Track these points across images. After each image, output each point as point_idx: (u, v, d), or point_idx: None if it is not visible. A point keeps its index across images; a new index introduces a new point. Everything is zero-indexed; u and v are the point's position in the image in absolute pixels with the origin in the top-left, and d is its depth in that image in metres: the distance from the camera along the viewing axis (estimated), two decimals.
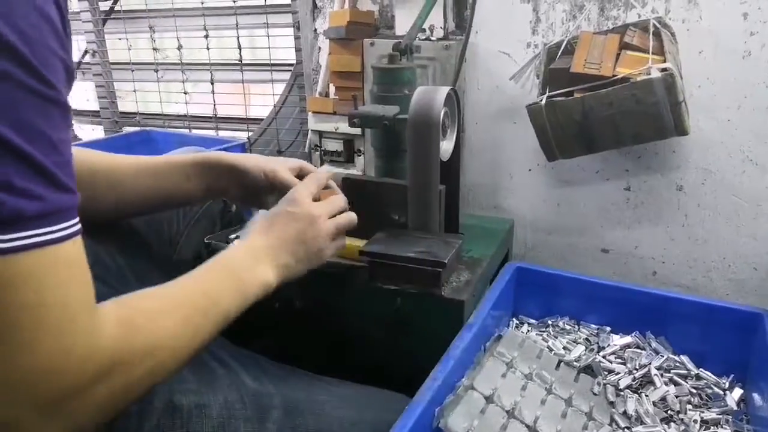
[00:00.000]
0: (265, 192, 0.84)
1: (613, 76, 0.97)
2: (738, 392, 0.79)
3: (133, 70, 1.78)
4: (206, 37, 1.60)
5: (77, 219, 0.42)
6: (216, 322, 0.56)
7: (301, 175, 0.84)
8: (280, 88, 1.62)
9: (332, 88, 1.37)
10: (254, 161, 0.82)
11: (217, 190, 0.83)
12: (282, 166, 0.82)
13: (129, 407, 0.50)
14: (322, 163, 1.39)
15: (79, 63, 1.91)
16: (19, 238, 0.37)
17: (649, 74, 0.94)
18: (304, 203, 0.71)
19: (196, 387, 0.61)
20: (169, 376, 0.51)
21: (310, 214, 0.70)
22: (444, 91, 0.81)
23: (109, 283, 0.70)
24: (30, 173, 0.38)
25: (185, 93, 1.70)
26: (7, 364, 0.38)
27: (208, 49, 1.61)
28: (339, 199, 0.77)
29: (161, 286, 0.54)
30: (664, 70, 0.94)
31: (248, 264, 0.63)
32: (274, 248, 0.67)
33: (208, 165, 0.81)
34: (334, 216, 0.74)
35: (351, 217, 0.76)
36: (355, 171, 1.36)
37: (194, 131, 1.76)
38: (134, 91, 1.79)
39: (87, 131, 2.04)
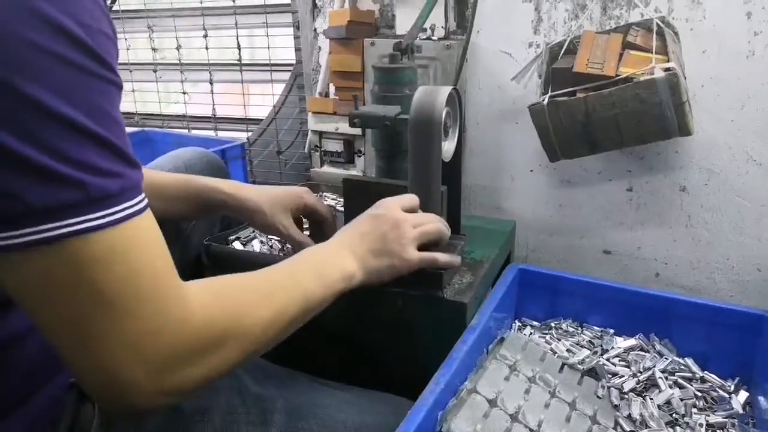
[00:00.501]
0: (268, 233, 0.87)
1: (617, 75, 0.96)
2: (743, 395, 0.78)
3: (131, 71, 1.77)
4: (205, 36, 1.59)
5: (143, 195, 0.44)
6: (298, 303, 0.56)
7: (306, 209, 0.86)
8: (279, 88, 1.61)
9: (332, 88, 1.36)
10: (256, 208, 0.82)
11: (217, 213, 0.85)
12: (284, 217, 0.83)
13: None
14: (322, 164, 1.38)
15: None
16: (109, 214, 0.40)
17: (653, 74, 0.93)
18: (390, 207, 0.73)
19: (199, 391, 0.60)
20: (258, 350, 0.52)
21: (394, 218, 0.71)
22: (446, 90, 0.80)
23: None
24: (107, 153, 0.40)
25: (184, 93, 1.69)
26: (116, 330, 0.41)
27: (207, 49, 1.61)
28: (430, 215, 0.77)
29: (237, 274, 0.55)
30: (667, 69, 0.93)
31: (328, 254, 0.66)
32: (352, 242, 0.68)
33: (209, 200, 0.82)
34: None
35: (439, 228, 0.75)
36: (355, 172, 1.35)
37: (193, 131, 1.75)
38: (133, 91, 1.78)
39: None
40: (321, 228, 0.88)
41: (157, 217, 0.78)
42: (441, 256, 0.74)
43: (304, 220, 0.91)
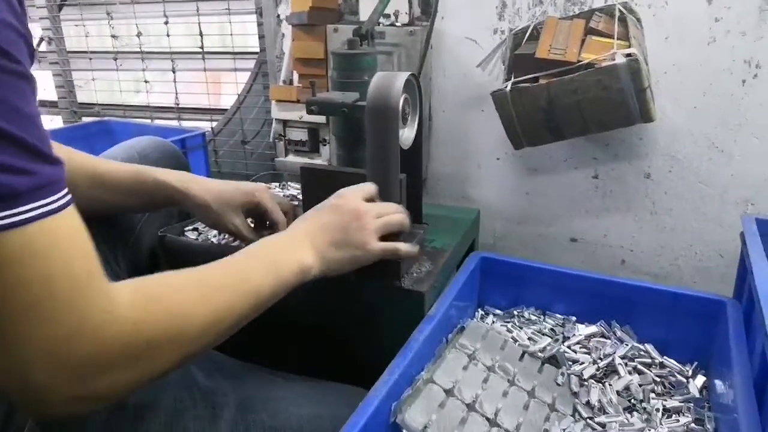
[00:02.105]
0: (218, 230, 0.84)
1: (578, 61, 0.96)
2: (701, 380, 0.78)
3: (91, 59, 1.72)
4: (166, 23, 1.55)
5: (66, 190, 0.41)
6: (247, 299, 0.54)
7: (259, 209, 0.83)
8: (245, 77, 1.58)
9: (296, 76, 1.33)
10: (206, 204, 0.79)
11: (167, 206, 0.82)
12: (234, 217, 0.80)
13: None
14: (287, 154, 1.36)
15: (35, 51, 1.84)
16: (16, 214, 0.37)
17: (614, 60, 0.93)
18: (350, 198, 0.71)
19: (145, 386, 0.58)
20: (197, 351, 0.50)
21: (355, 209, 0.69)
22: (403, 76, 0.78)
23: None
24: (15, 150, 0.37)
25: (146, 82, 1.64)
26: (32, 336, 0.39)
27: (168, 36, 1.56)
28: (391, 204, 0.76)
29: (174, 271, 0.52)
30: (628, 55, 0.92)
31: (284, 246, 0.63)
32: (312, 233, 0.66)
33: (156, 186, 0.78)
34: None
35: (400, 218, 0.74)
36: (320, 161, 1.33)
37: (156, 122, 1.70)
38: (93, 80, 1.73)
39: (45, 122, 1.97)
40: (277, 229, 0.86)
41: (103, 209, 0.76)
42: (403, 246, 0.73)
43: None
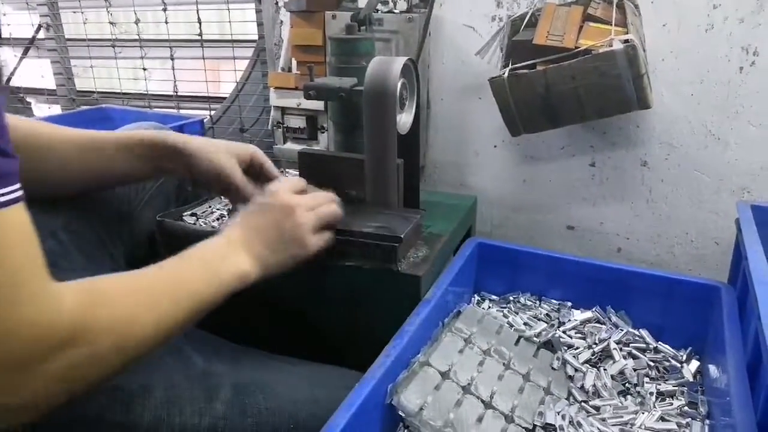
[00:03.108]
0: (212, 178, 0.81)
1: (576, 48, 0.96)
2: (695, 364, 0.79)
3: (89, 46, 1.71)
4: (164, 10, 1.54)
5: (17, 186, 0.40)
6: (186, 308, 0.54)
7: (254, 164, 0.81)
8: (243, 65, 1.58)
9: (294, 63, 1.33)
10: (201, 145, 0.77)
11: (165, 170, 0.80)
12: (228, 158, 0.77)
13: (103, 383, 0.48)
14: (285, 141, 1.36)
15: (33, 39, 1.83)
16: None
17: (611, 46, 0.93)
18: (280, 194, 0.69)
19: (140, 367, 0.58)
20: (136, 356, 0.49)
21: (287, 205, 0.68)
22: (401, 61, 0.78)
23: (54, 262, 0.67)
24: None
25: (144, 69, 1.64)
26: None
27: (166, 23, 1.56)
28: (322, 194, 0.75)
29: (127, 272, 0.52)
30: (626, 41, 0.92)
31: (222, 253, 0.62)
32: (247, 238, 0.64)
33: (153, 144, 0.76)
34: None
35: (333, 209, 0.73)
36: (318, 148, 1.33)
37: (155, 110, 1.70)
38: (91, 67, 1.72)
39: (43, 110, 1.97)
40: None
41: (98, 178, 0.75)
42: (331, 234, 0.73)
43: None
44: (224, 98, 1.63)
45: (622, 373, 0.77)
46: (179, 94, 1.68)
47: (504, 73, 0.98)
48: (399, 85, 0.77)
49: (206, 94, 1.65)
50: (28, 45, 1.88)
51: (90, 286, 0.46)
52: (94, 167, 0.75)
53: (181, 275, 0.56)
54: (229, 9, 1.49)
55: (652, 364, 0.79)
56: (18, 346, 0.39)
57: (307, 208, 0.70)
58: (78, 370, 0.43)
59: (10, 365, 0.39)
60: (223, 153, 0.77)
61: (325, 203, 0.73)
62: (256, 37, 1.53)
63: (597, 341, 0.82)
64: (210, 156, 0.76)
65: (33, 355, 0.40)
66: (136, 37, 1.66)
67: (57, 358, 0.41)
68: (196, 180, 0.81)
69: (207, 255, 0.60)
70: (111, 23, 1.71)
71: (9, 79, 1.95)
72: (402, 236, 0.74)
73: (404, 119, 0.83)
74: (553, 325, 0.85)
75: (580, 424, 0.66)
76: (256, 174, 0.83)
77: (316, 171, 0.84)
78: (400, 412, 0.61)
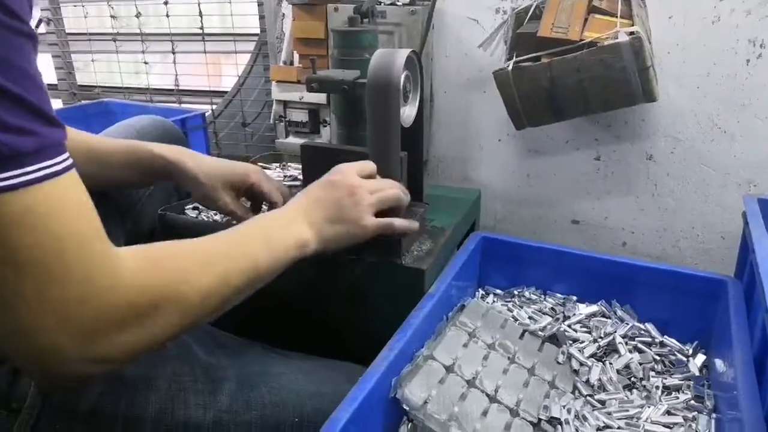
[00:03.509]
0: (205, 204, 0.82)
1: (581, 40, 0.95)
2: (701, 358, 0.78)
3: (90, 40, 1.71)
4: (166, 3, 1.53)
5: (68, 155, 0.41)
6: (244, 271, 0.54)
7: (254, 190, 0.82)
8: (245, 59, 1.57)
9: (296, 56, 1.32)
10: (196, 174, 0.77)
11: (163, 179, 0.81)
12: (220, 192, 0.79)
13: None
14: (287, 135, 1.35)
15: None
16: (21, 174, 0.37)
17: (617, 38, 0.92)
18: (346, 173, 0.70)
19: (143, 359, 0.58)
20: (199, 319, 0.50)
21: (350, 184, 0.69)
22: (404, 53, 0.77)
23: None
24: (19, 110, 0.37)
25: (145, 63, 1.63)
26: (40, 297, 0.39)
27: (167, 16, 1.55)
28: (388, 181, 0.75)
29: (186, 240, 0.52)
30: (631, 33, 0.91)
31: (281, 221, 0.63)
32: (308, 207, 0.66)
33: (150, 163, 0.77)
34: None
35: (396, 194, 0.73)
36: (321, 141, 1.32)
37: (156, 105, 1.69)
38: (92, 61, 1.71)
39: None
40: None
41: (98, 185, 0.75)
42: (398, 222, 0.72)
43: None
44: (226, 92, 1.62)
45: (627, 367, 0.76)
46: (180, 88, 1.67)
47: (508, 66, 0.98)
48: (403, 77, 0.77)
49: (208, 89, 1.65)
50: None
51: (144, 250, 0.47)
52: (93, 176, 0.74)
53: (238, 242, 0.57)
54: (230, 2, 1.48)
55: (657, 358, 0.78)
56: (91, 309, 0.41)
57: (371, 190, 0.70)
58: (144, 332, 0.45)
59: (85, 326, 0.41)
60: (220, 188, 0.78)
61: (388, 186, 0.73)
62: (257, 31, 1.52)
63: (602, 335, 0.81)
64: (206, 194, 0.78)
65: (105, 316, 0.42)
66: (138, 31, 1.66)
67: (125, 320, 0.43)
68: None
69: (267, 223, 0.62)
70: (112, 17, 1.70)
71: None
72: None
73: (408, 112, 0.83)
74: (558, 319, 0.84)
75: (585, 418, 0.66)
76: (252, 196, 0.84)
77: (319, 164, 0.83)
78: (405, 406, 0.61)
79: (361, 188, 0.69)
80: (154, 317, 0.45)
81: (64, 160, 0.41)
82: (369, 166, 0.74)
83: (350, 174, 0.70)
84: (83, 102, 1.75)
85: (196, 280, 0.49)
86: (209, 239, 0.54)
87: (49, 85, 1.92)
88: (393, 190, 0.73)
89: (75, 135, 0.74)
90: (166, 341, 0.48)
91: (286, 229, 0.62)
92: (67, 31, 1.80)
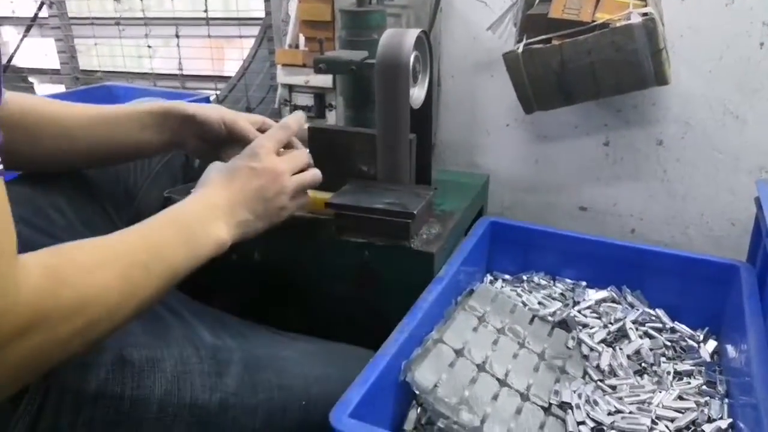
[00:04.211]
0: (224, 145, 0.80)
1: (593, 21, 0.93)
2: (712, 344, 0.77)
3: (93, 24, 1.69)
4: None
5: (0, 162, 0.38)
6: (160, 278, 0.51)
7: (262, 130, 0.81)
8: (249, 44, 1.55)
9: (302, 40, 1.30)
10: (214, 111, 0.78)
11: (175, 142, 0.79)
12: (242, 117, 0.79)
13: (72, 360, 0.47)
14: None
15: (35, 16, 1.80)
16: None
17: (629, 19, 0.90)
18: (266, 158, 0.67)
19: (149, 341, 0.57)
20: (103, 336, 0.47)
21: (273, 170, 0.66)
22: (414, 33, 0.76)
23: (56, 235, 0.66)
24: None
25: (149, 47, 1.62)
26: None
27: (171, 0, 1.53)
28: (302, 155, 0.73)
29: (101, 237, 0.49)
30: (644, 15, 0.90)
31: (202, 219, 0.59)
32: (232, 204, 0.62)
33: (164, 114, 0.76)
34: (298, 173, 0.70)
35: (315, 174, 0.72)
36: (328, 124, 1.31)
37: (160, 89, 1.68)
38: (95, 44, 1.70)
39: (46, 90, 1.95)
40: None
41: (106, 151, 0.74)
42: (306, 198, 0.72)
43: None
44: (230, 77, 1.60)
45: (638, 352, 0.75)
46: (184, 73, 1.66)
47: (518, 48, 0.96)
48: (412, 57, 0.75)
49: (212, 74, 1.63)
50: (30, 23, 1.86)
51: (54, 261, 0.43)
52: (102, 140, 0.74)
53: (156, 242, 0.53)
54: None
55: (668, 343, 0.78)
56: None
57: (291, 172, 0.68)
58: (39, 355, 0.42)
59: None
60: (234, 113, 0.78)
61: (305, 165, 0.71)
62: (261, 15, 1.50)
63: (612, 321, 0.80)
64: (225, 118, 0.76)
65: (5, 343, 0.39)
66: (141, 15, 1.64)
67: (16, 344, 0.39)
68: (204, 150, 0.80)
69: (185, 220, 0.58)
70: (115, 0, 1.68)
71: (10, 59, 1.93)
72: (415, 212, 0.72)
73: (417, 93, 0.81)
74: (567, 305, 0.84)
75: (596, 403, 0.65)
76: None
77: (327, 146, 0.82)
78: (415, 389, 0.60)
79: (283, 174, 0.67)
80: (52, 334, 0.42)
81: None
82: (281, 134, 0.71)
83: (269, 157, 0.67)
84: (86, 86, 1.73)
85: (106, 296, 0.46)
86: (127, 242, 0.51)
87: (51, 69, 1.91)
88: (312, 171, 0.72)
89: (77, 106, 0.73)
90: (65, 361, 0.45)
91: (205, 229, 0.58)
92: (69, 15, 1.79)
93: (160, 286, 0.52)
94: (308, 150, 0.78)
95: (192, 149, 0.81)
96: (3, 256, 0.39)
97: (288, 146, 0.75)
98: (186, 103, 0.77)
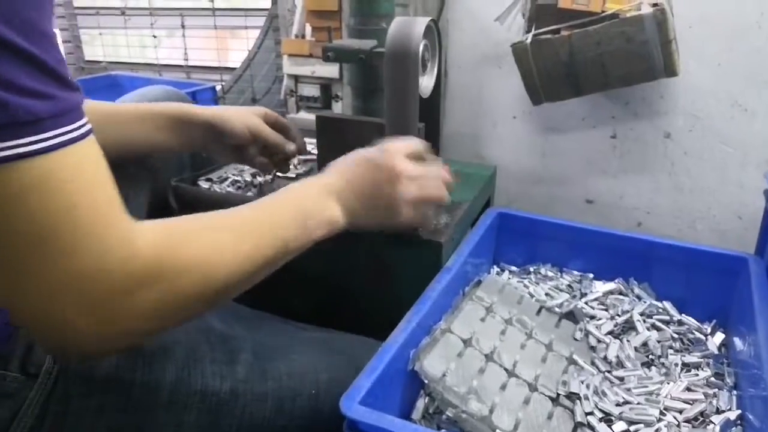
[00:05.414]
0: (246, 146, 0.81)
1: (602, 11, 0.92)
2: (720, 337, 0.77)
3: (98, 14, 1.68)
4: None
5: (86, 119, 0.39)
6: (273, 247, 0.52)
7: (271, 124, 0.82)
8: (255, 35, 1.55)
9: (309, 30, 1.30)
10: (237, 118, 0.77)
11: (194, 145, 0.79)
12: (255, 117, 0.79)
13: (193, 319, 0.48)
14: (298, 110, 1.33)
15: None
16: (39, 141, 0.36)
17: (640, 10, 0.90)
18: (393, 155, 0.64)
19: (149, 338, 0.57)
20: (222, 297, 0.48)
21: (393, 169, 0.63)
22: (423, 21, 0.75)
23: None
24: (36, 72, 0.35)
25: (154, 36, 1.61)
26: (52, 269, 0.37)
27: None
28: (434, 169, 0.69)
29: (210, 212, 0.50)
30: (655, 5, 0.89)
31: (316, 197, 0.60)
32: (345, 189, 0.62)
33: (181, 120, 0.76)
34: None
35: (440, 191, 0.68)
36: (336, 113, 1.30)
37: (165, 79, 1.67)
38: (100, 34, 1.69)
39: None
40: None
41: (117, 147, 0.74)
42: (432, 220, 0.70)
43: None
44: (235, 68, 1.60)
45: (645, 344, 0.75)
46: (189, 64, 1.66)
47: (527, 39, 0.95)
48: (422, 46, 0.75)
49: (217, 65, 1.63)
50: None
51: (169, 225, 0.45)
52: (111, 139, 0.73)
53: (269, 216, 0.54)
54: None
55: (676, 336, 0.77)
56: (107, 282, 0.39)
57: (413, 178, 0.64)
58: (163, 306, 0.43)
59: (103, 297, 0.39)
60: (249, 114, 0.78)
61: (434, 180, 0.67)
62: (267, 5, 1.49)
63: (620, 313, 0.80)
64: (242, 118, 0.76)
65: (121, 287, 0.40)
66: (146, 6, 1.63)
67: (142, 293, 0.41)
68: (225, 153, 0.81)
69: (299, 198, 0.59)
70: None
71: None
72: None
73: (426, 82, 0.81)
74: (574, 296, 0.83)
75: (605, 394, 0.65)
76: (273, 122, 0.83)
77: (334, 136, 0.82)
78: (423, 378, 0.60)
79: (405, 177, 0.63)
80: (173, 295, 0.43)
81: (83, 125, 0.39)
82: (419, 147, 0.68)
83: (396, 155, 0.64)
84: (90, 75, 1.73)
85: (220, 261, 0.47)
86: (241, 214, 0.52)
87: None
88: (438, 186, 0.68)
89: (91, 103, 0.73)
90: (185, 321, 0.47)
91: (320, 209, 0.59)
92: (74, 5, 1.78)
93: (273, 255, 0.52)
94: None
95: (212, 152, 0.82)
96: (116, 209, 0.40)
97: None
98: (203, 109, 0.76)
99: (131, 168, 0.81)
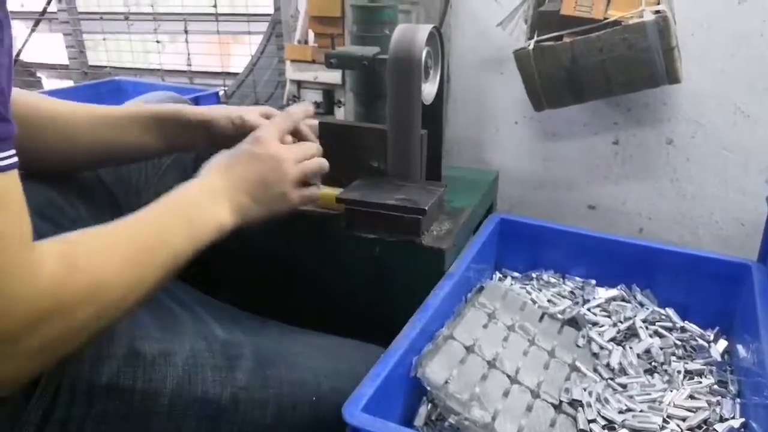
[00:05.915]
0: (235, 141, 0.80)
1: (605, 18, 0.93)
2: (723, 344, 0.77)
3: (102, 19, 1.69)
4: None
5: (13, 152, 0.39)
6: (164, 262, 0.52)
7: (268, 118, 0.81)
8: (258, 40, 1.55)
9: (311, 36, 1.30)
10: (219, 111, 0.77)
11: (183, 145, 0.79)
12: (250, 110, 0.78)
13: (82, 353, 0.48)
14: None
15: (44, 11, 1.81)
16: None
17: (642, 17, 0.90)
18: (268, 144, 0.66)
19: (160, 335, 0.57)
20: (113, 321, 0.48)
21: (274, 156, 0.65)
22: (426, 28, 0.76)
23: (65, 226, 0.66)
24: None
25: (158, 42, 1.62)
26: None
27: None
28: (310, 145, 0.72)
29: (106, 224, 0.50)
30: (657, 12, 0.89)
31: (202, 203, 0.59)
32: (231, 188, 0.62)
33: (167, 119, 0.75)
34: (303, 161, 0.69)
35: (321, 163, 0.71)
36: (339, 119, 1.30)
37: (168, 84, 1.68)
38: (104, 39, 1.70)
39: (54, 85, 1.95)
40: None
41: (109, 149, 0.74)
42: (319, 191, 0.71)
43: None
44: (238, 74, 1.60)
45: (648, 351, 0.75)
46: (193, 69, 1.66)
47: (529, 45, 0.96)
48: (424, 53, 0.75)
49: (220, 70, 1.63)
50: (39, 18, 1.86)
51: (69, 248, 0.44)
52: (104, 140, 0.73)
53: (160, 227, 0.54)
54: None
55: (678, 343, 0.77)
56: (1, 320, 0.39)
57: (295, 161, 0.67)
58: (59, 340, 0.43)
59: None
60: (234, 108, 0.76)
61: (311, 155, 0.70)
62: (270, 11, 1.50)
63: (622, 319, 0.80)
64: (231, 116, 0.74)
65: (15, 328, 0.39)
66: (149, 11, 1.64)
67: (37, 330, 0.41)
68: (215, 150, 0.80)
69: (185, 204, 0.58)
70: None
71: (18, 54, 1.93)
72: (426, 208, 0.72)
73: (428, 89, 0.81)
74: (577, 303, 0.83)
75: (607, 401, 0.65)
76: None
77: (337, 142, 0.82)
78: (426, 385, 0.60)
79: (286, 161, 0.65)
80: (69, 320, 0.43)
81: (9, 157, 0.39)
82: (284, 121, 0.70)
83: (272, 143, 0.66)
84: (94, 81, 1.73)
85: (117, 281, 0.47)
86: (133, 229, 0.51)
87: (60, 64, 1.91)
88: (317, 159, 0.70)
89: (82, 106, 0.72)
90: (80, 347, 0.46)
91: (207, 212, 0.58)
92: (78, 10, 1.79)
93: (164, 269, 0.52)
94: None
95: (202, 150, 0.81)
96: (21, 245, 0.39)
97: (300, 138, 0.74)
98: (188, 107, 0.76)
99: (126, 182, 0.81)
